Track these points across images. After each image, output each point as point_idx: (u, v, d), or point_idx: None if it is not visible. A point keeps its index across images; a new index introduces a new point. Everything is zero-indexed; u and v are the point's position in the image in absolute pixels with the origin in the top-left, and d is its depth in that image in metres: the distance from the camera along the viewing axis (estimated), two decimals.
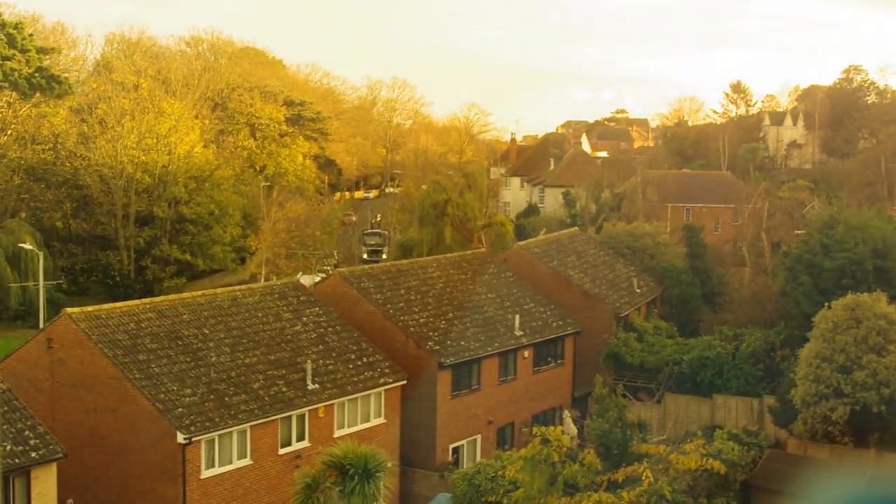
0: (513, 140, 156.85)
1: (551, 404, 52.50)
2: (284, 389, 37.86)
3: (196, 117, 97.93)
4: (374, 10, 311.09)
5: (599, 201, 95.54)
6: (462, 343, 46.74)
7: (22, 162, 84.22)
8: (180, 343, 37.24)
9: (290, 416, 37.40)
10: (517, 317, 50.65)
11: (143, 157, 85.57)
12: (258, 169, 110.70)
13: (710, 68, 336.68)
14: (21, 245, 68.70)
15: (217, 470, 34.62)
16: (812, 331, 42.91)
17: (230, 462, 35.20)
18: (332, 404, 39.31)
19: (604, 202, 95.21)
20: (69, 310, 36.47)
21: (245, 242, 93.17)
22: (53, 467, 30.85)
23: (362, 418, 40.97)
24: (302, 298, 44.44)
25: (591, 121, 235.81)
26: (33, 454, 29.94)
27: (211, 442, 34.34)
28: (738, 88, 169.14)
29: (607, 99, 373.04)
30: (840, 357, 40.81)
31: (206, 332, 38.59)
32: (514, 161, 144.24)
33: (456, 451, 46.40)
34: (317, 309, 44.06)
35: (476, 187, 79.51)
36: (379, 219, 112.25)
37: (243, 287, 45.41)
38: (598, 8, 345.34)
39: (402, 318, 46.26)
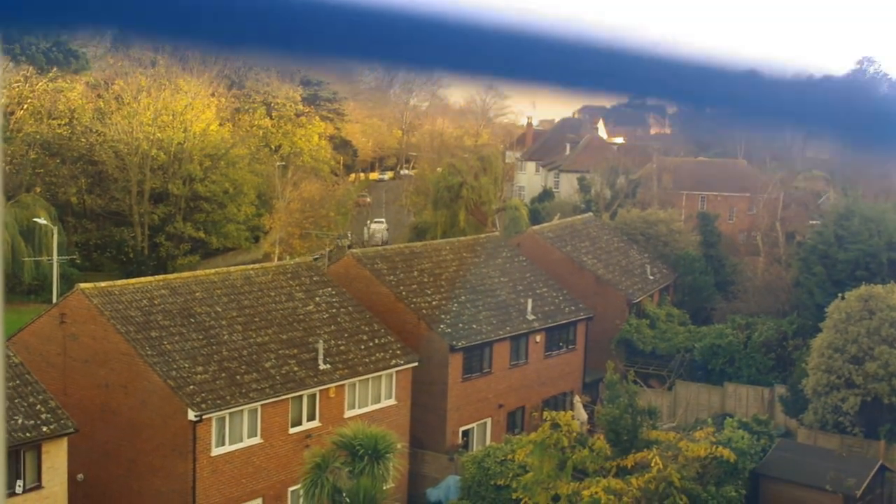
0: (529, 124, 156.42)
1: (562, 389, 52.40)
2: (296, 369, 37.87)
3: (212, 95, 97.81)
4: None
5: (614, 187, 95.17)
6: (474, 326, 46.66)
7: (37, 137, 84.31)
8: (193, 321, 37.26)
9: (301, 396, 37.38)
10: (529, 301, 50.53)
11: (159, 134, 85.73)
12: (273, 148, 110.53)
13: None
14: (35, 220, 68.94)
15: (227, 448, 34.67)
16: (825, 321, 42.82)
17: (240, 440, 35.24)
18: (344, 385, 39.27)
19: (619, 188, 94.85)
20: (82, 285, 36.54)
21: (259, 221, 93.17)
22: (64, 442, 30.98)
23: (373, 399, 40.91)
24: (315, 278, 44.40)
25: (608, 106, 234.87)
26: (44, 428, 30.06)
27: (222, 420, 34.39)
28: None
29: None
30: (852, 348, 40.74)
31: (219, 310, 38.59)
32: (530, 145, 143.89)
33: (466, 434, 46.39)
34: (329, 289, 44.01)
35: (491, 171, 79.62)
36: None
37: (256, 266, 45.42)
38: None
39: (414, 300, 46.19)
